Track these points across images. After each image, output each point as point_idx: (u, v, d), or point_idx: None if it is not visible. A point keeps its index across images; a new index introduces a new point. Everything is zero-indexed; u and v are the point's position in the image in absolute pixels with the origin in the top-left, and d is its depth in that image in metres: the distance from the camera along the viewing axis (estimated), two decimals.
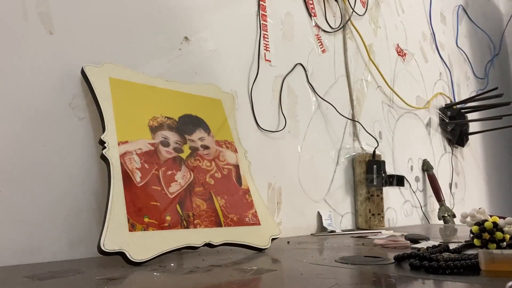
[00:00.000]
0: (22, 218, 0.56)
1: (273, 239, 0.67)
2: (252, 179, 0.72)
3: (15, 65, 0.58)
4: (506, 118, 1.66)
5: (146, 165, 0.58)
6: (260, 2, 0.97)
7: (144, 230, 0.52)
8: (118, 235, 0.49)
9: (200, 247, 0.57)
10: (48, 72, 0.61)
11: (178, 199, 0.59)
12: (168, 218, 0.56)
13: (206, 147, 0.68)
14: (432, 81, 1.71)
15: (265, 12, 0.99)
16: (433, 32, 1.76)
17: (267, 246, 0.65)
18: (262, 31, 0.96)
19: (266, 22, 0.98)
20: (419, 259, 0.45)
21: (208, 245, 0.58)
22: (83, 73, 0.61)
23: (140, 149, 0.59)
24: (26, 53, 0.59)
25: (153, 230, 0.53)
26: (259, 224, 0.66)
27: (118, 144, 0.57)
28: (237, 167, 0.71)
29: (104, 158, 0.56)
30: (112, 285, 0.39)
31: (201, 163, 0.66)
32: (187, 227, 0.57)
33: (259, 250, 0.64)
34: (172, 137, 0.65)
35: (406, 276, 0.41)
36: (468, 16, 2.12)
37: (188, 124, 0.68)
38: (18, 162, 0.56)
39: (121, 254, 0.48)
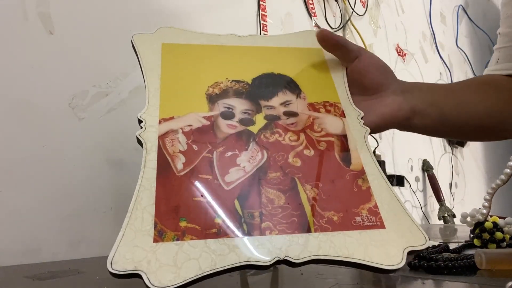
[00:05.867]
0: (22, 218, 0.56)
1: (411, 253, 0.37)
2: (371, 155, 0.49)
3: (15, 65, 0.58)
4: None
5: (194, 146, 0.44)
6: (260, 2, 0.97)
7: (178, 239, 0.37)
8: (135, 248, 0.35)
9: (269, 266, 0.35)
10: (48, 72, 0.61)
11: (238, 192, 0.42)
12: (218, 221, 0.39)
13: (291, 114, 0.50)
14: (432, 81, 1.71)
15: (265, 12, 0.99)
16: (433, 32, 1.76)
17: (398, 265, 0.36)
18: (262, 31, 0.96)
19: (266, 22, 0.98)
20: (419, 259, 0.45)
21: (285, 262, 0.38)
22: (132, 44, 0.52)
23: (189, 125, 0.46)
24: (26, 53, 0.59)
25: (191, 239, 0.37)
26: (382, 227, 0.41)
27: (159, 122, 0.45)
28: (343, 138, 0.49)
29: (139, 142, 0.43)
30: (112, 286, 0.39)
31: (281, 137, 0.47)
32: (250, 234, 0.38)
33: (381, 271, 0.37)
34: (240, 105, 0.49)
35: (405, 276, 0.41)
36: (468, 16, 2.12)
37: (265, 86, 0.52)
38: (18, 162, 0.56)
39: (138, 277, 0.33)
